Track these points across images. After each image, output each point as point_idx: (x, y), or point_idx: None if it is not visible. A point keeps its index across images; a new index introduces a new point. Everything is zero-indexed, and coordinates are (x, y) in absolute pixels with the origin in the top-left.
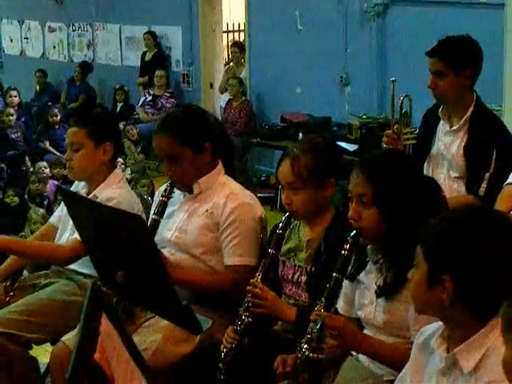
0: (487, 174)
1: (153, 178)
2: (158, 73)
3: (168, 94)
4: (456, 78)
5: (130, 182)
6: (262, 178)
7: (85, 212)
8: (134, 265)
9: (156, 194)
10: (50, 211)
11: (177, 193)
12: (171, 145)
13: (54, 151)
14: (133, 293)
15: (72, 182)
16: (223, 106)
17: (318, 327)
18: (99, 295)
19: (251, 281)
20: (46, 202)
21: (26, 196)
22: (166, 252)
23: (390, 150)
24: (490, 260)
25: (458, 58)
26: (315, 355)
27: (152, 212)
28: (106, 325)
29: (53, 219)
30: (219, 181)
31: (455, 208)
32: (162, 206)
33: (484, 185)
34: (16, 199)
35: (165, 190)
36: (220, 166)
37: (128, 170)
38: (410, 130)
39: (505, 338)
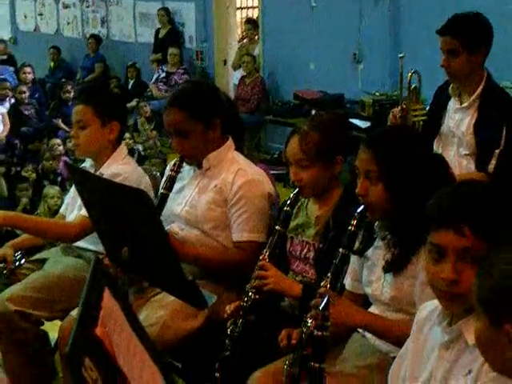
0: (497, 151)
1: (167, 154)
2: (171, 50)
3: (181, 71)
4: (470, 57)
5: (144, 158)
6: (275, 156)
7: (92, 188)
8: (140, 240)
9: (166, 168)
10: (63, 188)
11: (187, 168)
12: (181, 119)
13: (67, 128)
14: (138, 268)
15: None
16: (236, 83)
17: (322, 305)
18: (102, 270)
19: (260, 258)
20: (59, 179)
21: (40, 173)
22: (175, 226)
23: (397, 126)
24: None
25: (472, 37)
26: (319, 333)
27: (161, 186)
28: (108, 300)
29: (62, 209)
30: (228, 157)
31: None
32: (171, 181)
33: (493, 161)
34: (34, 175)
35: (174, 165)
36: (230, 143)
37: (139, 147)
38: (419, 106)
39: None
